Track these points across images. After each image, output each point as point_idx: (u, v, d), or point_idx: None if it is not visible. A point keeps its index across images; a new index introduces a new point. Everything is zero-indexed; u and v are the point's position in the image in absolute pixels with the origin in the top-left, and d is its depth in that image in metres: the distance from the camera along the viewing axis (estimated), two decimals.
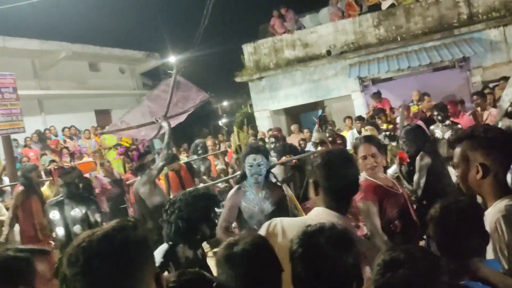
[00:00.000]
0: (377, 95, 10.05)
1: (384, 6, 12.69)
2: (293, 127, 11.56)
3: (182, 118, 5.27)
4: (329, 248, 1.53)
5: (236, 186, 3.52)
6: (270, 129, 10.42)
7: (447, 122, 6.30)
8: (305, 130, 10.27)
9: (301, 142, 9.01)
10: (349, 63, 12.40)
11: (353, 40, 12.66)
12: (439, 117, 6.38)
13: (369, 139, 3.15)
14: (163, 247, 2.49)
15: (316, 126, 7.06)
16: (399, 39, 12.25)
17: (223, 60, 24.17)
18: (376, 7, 12.80)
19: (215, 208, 2.65)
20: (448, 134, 6.18)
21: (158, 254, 2.38)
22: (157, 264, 2.24)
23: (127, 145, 9.50)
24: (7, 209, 6.64)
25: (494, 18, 11.54)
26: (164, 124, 4.67)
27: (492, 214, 1.73)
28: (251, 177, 3.38)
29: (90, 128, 13.41)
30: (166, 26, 25.92)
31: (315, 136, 6.94)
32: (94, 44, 15.29)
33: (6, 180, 8.09)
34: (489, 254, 1.72)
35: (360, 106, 12.15)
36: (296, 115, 14.62)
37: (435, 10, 12.09)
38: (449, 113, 7.44)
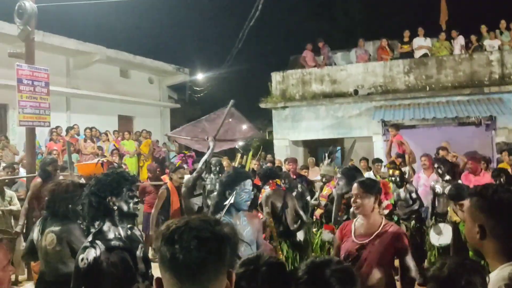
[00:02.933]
0: (395, 128, 9.85)
1: (417, 54, 12.78)
2: (310, 160, 11.57)
3: (228, 145, 6.16)
4: (333, 280, 1.61)
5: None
6: (287, 159, 10.43)
7: (447, 177, 6.25)
8: (321, 165, 10.22)
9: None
10: (374, 105, 12.43)
11: (382, 83, 12.72)
12: (439, 171, 6.33)
13: (359, 181, 3.30)
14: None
15: (327, 160, 7.15)
16: (427, 88, 12.28)
17: (249, 84, 24.42)
18: (408, 55, 12.90)
19: (131, 187, 2.64)
20: (447, 190, 6.14)
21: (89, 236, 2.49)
22: (86, 244, 2.38)
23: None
24: (20, 200, 6.75)
25: None
26: (211, 143, 5.28)
27: (495, 281, 1.67)
28: (244, 203, 3.26)
29: (112, 132, 13.65)
30: (199, 44, 26.44)
31: (324, 169, 7.02)
32: (128, 51, 15.65)
33: (22, 171, 8.24)
34: None
35: (380, 149, 12.10)
36: (315, 148, 14.63)
37: (468, 65, 12.12)
38: (469, 170, 7.40)
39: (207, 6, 24.90)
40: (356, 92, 12.71)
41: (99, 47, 14.17)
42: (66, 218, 3.28)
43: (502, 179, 6.31)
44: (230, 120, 5.72)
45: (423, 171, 7.81)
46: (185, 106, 20.53)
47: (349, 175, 4.49)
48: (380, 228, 3.14)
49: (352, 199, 3.28)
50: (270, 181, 5.35)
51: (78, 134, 12.69)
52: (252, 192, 3.35)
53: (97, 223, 2.57)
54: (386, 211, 3.38)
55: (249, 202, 3.33)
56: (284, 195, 5.30)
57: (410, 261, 3.06)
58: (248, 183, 3.30)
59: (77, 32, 14.04)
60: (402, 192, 6.69)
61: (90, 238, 2.49)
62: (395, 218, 6.67)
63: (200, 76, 20.34)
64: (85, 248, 2.40)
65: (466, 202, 1.82)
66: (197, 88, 21.26)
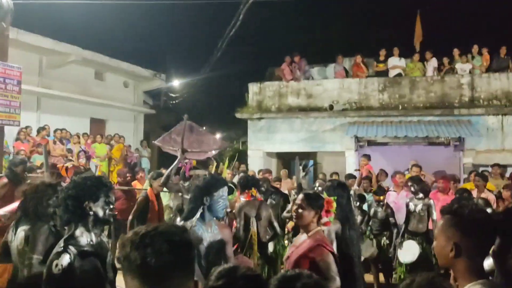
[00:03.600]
0: (368, 158, 10.06)
1: (392, 74, 13.07)
2: (283, 172, 11.60)
3: (200, 156, 6.42)
4: None
5: (182, 225, 3.17)
6: (261, 170, 10.45)
7: (420, 195, 6.40)
8: (294, 177, 10.29)
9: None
10: (348, 121, 12.61)
11: (356, 100, 12.94)
12: (412, 189, 6.48)
13: (305, 193, 3.45)
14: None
15: (301, 173, 7.24)
16: (400, 107, 12.55)
17: (226, 93, 24.44)
18: (383, 74, 13.18)
19: (108, 193, 2.59)
20: (419, 208, 6.30)
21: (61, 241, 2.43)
22: (59, 249, 2.33)
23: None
24: None
25: (494, 106, 11.93)
26: (179, 155, 5.41)
27: None
28: (221, 210, 3.28)
29: (81, 135, 13.37)
30: (177, 50, 26.32)
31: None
32: (104, 53, 15.42)
33: None
34: None
35: (352, 164, 12.24)
36: (288, 160, 14.70)
37: (439, 87, 12.47)
38: (440, 188, 7.57)
39: (188, 14, 24.86)
40: (331, 107, 12.87)
41: (75, 48, 13.94)
42: (37, 218, 3.21)
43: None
44: (192, 133, 5.95)
45: (393, 188, 7.96)
46: (159, 112, 20.34)
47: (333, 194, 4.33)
48: (305, 238, 3.31)
49: (294, 208, 3.42)
50: (247, 191, 5.29)
51: (49, 135, 12.39)
52: (227, 201, 3.36)
53: (68, 226, 2.51)
54: (324, 228, 3.45)
55: (225, 211, 3.32)
56: (258, 206, 5.25)
57: (325, 270, 3.05)
58: (225, 190, 3.33)
59: (52, 31, 13.74)
60: (380, 212, 6.83)
61: (62, 243, 2.42)
62: (367, 233, 6.79)
63: (176, 83, 20.23)
64: (59, 253, 2.33)
65: (441, 220, 1.86)
66: (173, 95, 21.14)
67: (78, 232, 2.49)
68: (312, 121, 13.12)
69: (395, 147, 12.19)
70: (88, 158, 12.03)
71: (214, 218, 3.36)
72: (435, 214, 6.25)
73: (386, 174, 9.08)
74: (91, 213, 2.52)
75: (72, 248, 2.35)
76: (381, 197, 6.94)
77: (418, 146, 12.04)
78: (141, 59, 18.49)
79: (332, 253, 3.19)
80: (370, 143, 12.51)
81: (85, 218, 2.52)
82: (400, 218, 6.80)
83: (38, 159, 9.56)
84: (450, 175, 8.64)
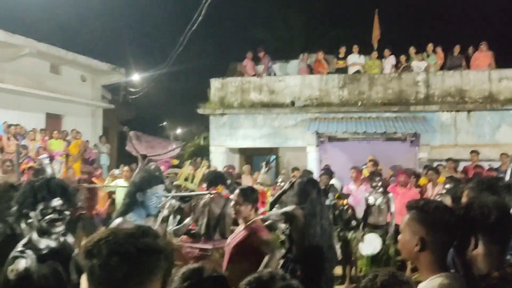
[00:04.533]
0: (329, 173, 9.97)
1: (351, 71, 13.35)
2: (245, 167, 11.62)
3: (162, 157, 6.70)
4: None
5: (120, 219, 3.19)
6: (225, 166, 10.45)
7: (380, 190, 6.62)
8: (256, 173, 10.29)
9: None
10: (309, 117, 12.79)
11: (317, 96, 13.14)
12: (373, 183, 6.69)
13: (240, 189, 3.69)
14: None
15: (264, 169, 7.30)
16: (359, 104, 12.85)
17: (187, 88, 24.19)
18: (343, 70, 13.44)
19: (46, 201, 2.45)
20: (379, 201, 6.52)
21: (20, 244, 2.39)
22: (15, 253, 2.29)
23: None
24: None
25: (448, 103, 12.42)
26: (139, 162, 5.65)
27: None
28: (154, 207, 3.27)
29: (38, 131, 12.91)
30: (137, 45, 25.78)
31: (260, 178, 7.16)
32: (60, 46, 14.91)
33: None
34: None
35: (313, 160, 12.46)
36: (250, 156, 14.77)
37: (396, 84, 12.86)
38: (401, 182, 7.82)
39: (149, 7, 24.39)
40: (292, 103, 13.01)
41: (29, 40, 13.40)
42: None
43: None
44: (141, 141, 6.11)
45: (352, 182, 8.17)
46: (119, 107, 19.90)
47: (303, 191, 4.27)
48: (241, 230, 3.58)
49: (231, 205, 3.68)
50: (213, 187, 5.17)
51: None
52: (162, 199, 3.37)
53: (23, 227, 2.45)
54: (261, 217, 3.78)
55: (157, 209, 3.31)
56: (224, 204, 5.19)
57: (266, 248, 3.38)
58: (160, 188, 3.31)
59: (5, 23, 13.15)
60: (344, 214, 7.01)
61: (19, 247, 2.34)
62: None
63: (136, 77, 19.81)
64: (15, 258, 2.26)
65: (406, 216, 1.93)
66: (133, 89, 20.69)
67: (35, 236, 2.42)
68: (275, 117, 13.22)
69: (355, 142, 12.47)
70: (52, 159, 11.56)
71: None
72: (393, 207, 6.50)
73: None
74: (30, 221, 2.42)
75: (29, 252, 2.29)
76: (344, 201, 7.09)
77: (377, 141, 12.38)
78: (100, 52, 18.00)
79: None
80: (331, 138, 12.75)
81: (29, 225, 2.44)
82: (359, 211, 7.00)
83: None
84: (409, 169, 8.94)
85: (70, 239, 2.65)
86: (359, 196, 7.36)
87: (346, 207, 7.01)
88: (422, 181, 8.54)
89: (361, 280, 1.82)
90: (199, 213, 5.21)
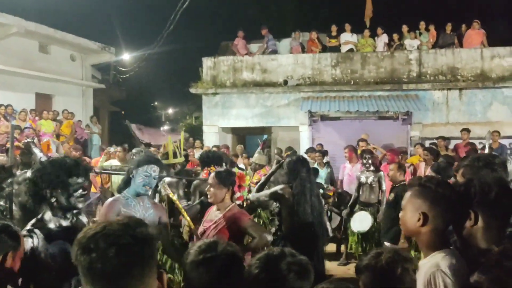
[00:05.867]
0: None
1: (344, 49, 13.29)
2: (238, 147, 11.65)
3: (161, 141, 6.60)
4: (291, 276, 1.67)
5: (111, 198, 3.38)
6: (218, 146, 10.43)
7: (372, 168, 6.70)
8: (244, 155, 10.12)
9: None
10: (302, 96, 12.78)
11: (310, 75, 13.10)
12: (365, 162, 6.77)
13: (216, 172, 3.62)
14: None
15: (259, 148, 7.30)
16: (352, 82, 12.85)
17: (179, 68, 23.97)
18: (335, 49, 13.38)
19: (76, 177, 2.53)
20: (371, 180, 6.61)
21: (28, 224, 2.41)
22: (24, 232, 2.31)
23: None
24: None
25: (440, 81, 12.46)
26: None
27: (427, 266, 1.81)
28: (142, 187, 3.31)
29: (29, 111, 12.76)
30: (127, 23, 25.37)
31: (256, 157, 7.15)
32: (49, 25, 14.63)
33: None
34: None
35: (306, 139, 12.49)
36: (243, 136, 14.78)
37: (389, 62, 12.84)
38: (387, 161, 7.92)
39: None
40: (285, 82, 12.97)
41: (16, 19, 13.13)
42: None
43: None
44: (143, 132, 6.21)
45: (348, 161, 8.24)
46: (109, 87, 19.70)
47: (292, 169, 4.25)
48: (221, 215, 3.48)
49: (206, 188, 3.61)
50: (206, 168, 5.16)
51: None
52: (155, 180, 3.39)
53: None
54: (238, 202, 3.67)
55: (146, 188, 3.33)
56: None
57: (253, 232, 3.37)
58: (151, 168, 3.34)
59: None
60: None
61: (28, 226, 2.37)
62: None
63: (127, 57, 19.58)
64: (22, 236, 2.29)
65: (407, 192, 1.96)
66: (123, 69, 20.46)
67: (46, 216, 2.44)
68: (267, 96, 13.18)
69: (347, 121, 12.52)
70: (39, 139, 11.42)
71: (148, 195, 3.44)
72: (384, 185, 6.59)
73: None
74: (53, 200, 2.44)
75: (37, 232, 2.32)
76: (330, 200, 7.17)
77: (369, 120, 12.44)
78: (89, 31, 17.73)
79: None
80: (324, 117, 12.79)
81: (48, 204, 2.46)
82: (353, 189, 7.08)
83: None
84: (398, 148, 9.02)
85: (84, 218, 2.67)
86: (354, 174, 7.44)
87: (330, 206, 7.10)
88: (412, 159, 8.63)
89: (363, 258, 1.85)
90: (192, 195, 5.21)
